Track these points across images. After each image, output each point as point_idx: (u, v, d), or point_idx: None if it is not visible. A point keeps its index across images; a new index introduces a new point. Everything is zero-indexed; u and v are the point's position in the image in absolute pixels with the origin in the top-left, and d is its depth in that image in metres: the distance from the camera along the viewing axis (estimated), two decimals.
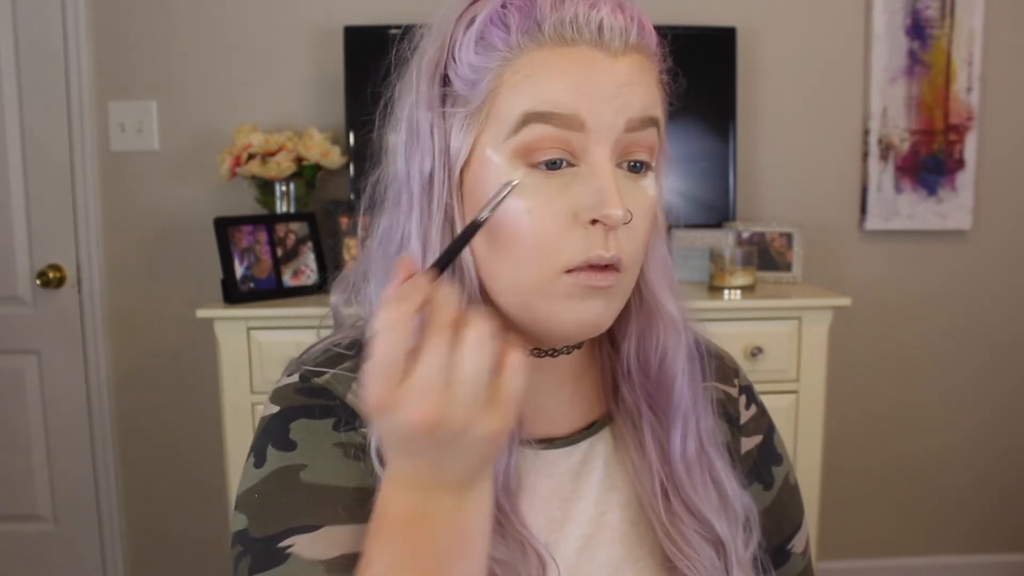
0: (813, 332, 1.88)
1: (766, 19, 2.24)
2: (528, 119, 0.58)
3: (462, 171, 0.62)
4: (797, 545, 0.80)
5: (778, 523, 0.77)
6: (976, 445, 2.42)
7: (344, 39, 2.07)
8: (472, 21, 0.61)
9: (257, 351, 1.79)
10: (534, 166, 0.59)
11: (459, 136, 0.61)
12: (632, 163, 0.62)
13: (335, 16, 2.12)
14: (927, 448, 2.41)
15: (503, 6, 0.60)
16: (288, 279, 1.95)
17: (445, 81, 0.62)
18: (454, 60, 0.62)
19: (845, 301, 1.88)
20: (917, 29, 2.24)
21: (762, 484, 0.77)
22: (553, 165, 0.59)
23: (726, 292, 1.93)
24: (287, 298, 1.92)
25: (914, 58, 2.25)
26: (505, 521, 0.62)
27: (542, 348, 0.67)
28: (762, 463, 0.78)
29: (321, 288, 1.96)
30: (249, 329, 1.79)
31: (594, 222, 0.59)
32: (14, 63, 2.14)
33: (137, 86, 2.17)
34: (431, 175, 0.62)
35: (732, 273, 1.94)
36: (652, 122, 0.61)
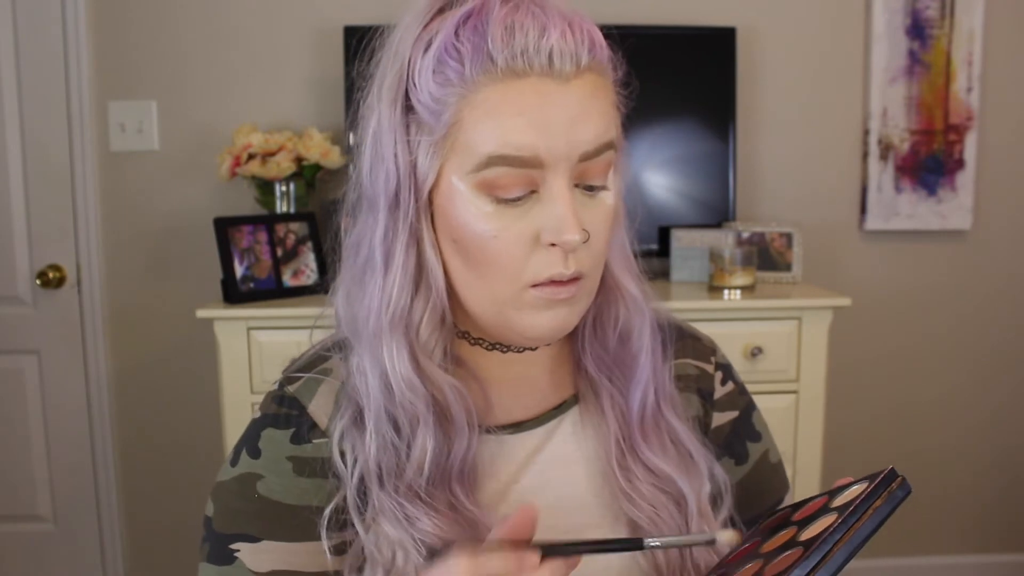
0: (813, 332, 1.88)
1: (766, 19, 2.24)
2: (491, 161, 0.61)
3: (430, 193, 0.65)
4: None
5: (755, 497, 0.80)
6: (976, 445, 2.42)
7: (344, 39, 2.07)
8: (429, 45, 0.62)
9: (257, 351, 1.79)
10: (498, 199, 0.62)
11: (425, 161, 0.64)
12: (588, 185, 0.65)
13: (335, 16, 2.13)
14: (927, 448, 2.41)
15: (456, 32, 0.61)
16: (288, 279, 1.95)
17: (407, 103, 0.64)
18: (415, 85, 0.63)
19: (845, 301, 1.88)
20: (917, 29, 2.24)
21: (734, 458, 0.80)
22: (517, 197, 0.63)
23: (726, 292, 1.93)
24: (287, 298, 1.92)
25: (914, 58, 2.25)
26: (459, 505, 0.65)
27: (520, 344, 0.71)
28: (736, 438, 0.80)
29: (321, 288, 1.96)
30: (249, 329, 1.79)
31: (554, 244, 0.62)
32: (14, 63, 2.14)
33: (137, 86, 2.17)
34: (396, 194, 0.65)
35: (732, 273, 1.94)
36: (607, 146, 0.64)
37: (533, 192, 0.62)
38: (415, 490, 0.65)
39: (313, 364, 0.73)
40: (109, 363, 2.25)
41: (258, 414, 0.71)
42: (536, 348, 0.72)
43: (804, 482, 1.90)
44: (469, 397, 0.67)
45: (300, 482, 0.68)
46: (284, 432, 0.69)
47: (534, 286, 0.63)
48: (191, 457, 2.25)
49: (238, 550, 0.66)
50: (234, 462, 0.70)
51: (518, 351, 0.72)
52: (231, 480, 0.69)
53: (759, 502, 0.81)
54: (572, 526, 0.70)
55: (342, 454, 0.67)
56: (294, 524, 0.67)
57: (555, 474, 0.71)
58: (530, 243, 0.63)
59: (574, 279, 0.64)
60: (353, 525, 0.66)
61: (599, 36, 0.65)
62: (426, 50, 0.62)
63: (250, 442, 0.70)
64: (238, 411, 1.79)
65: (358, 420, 0.67)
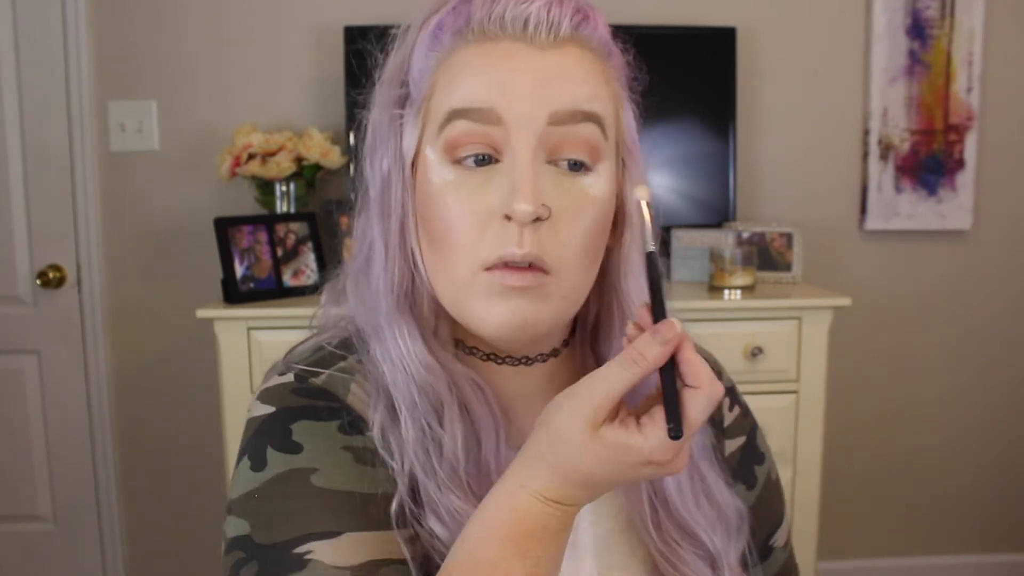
0: (813, 332, 1.88)
1: (766, 19, 2.24)
2: (451, 116, 0.59)
3: (414, 169, 0.63)
4: (779, 539, 0.80)
5: (762, 520, 0.77)
6: (976, 445, 2.42)
7: (344, 39, 2.07)
8: (427, 27, 0.63)
9: (257, 351, 1.79)
10: (458, 162, 0.60)
11: (408, 136, 0.63)
12: (571, 161, 0.60)
13: (335, 16, 2.13)
14: (927, 448, 2.41)
15: (453, 8, 0.62)
16: (288, 279, 1.95)
17: (404, 86, 0.64)
18: (410, 66, 0.63)
19: (845, 301, 1.88)
20: (917, 29, 2.24)
21: (745, 484, 0.77)
22: (482, 161, 0.60)
23: (726, 292, 1.93)
24: (287, 298, 1.92)
25: (914, 58, 2.25)
26: None
27: (515, 356, 0.67)
28: (745, 464, 0.78)
29: (321, 288, 1.96)
30: (249, 329, 1.79)
31: (509, 218, 0.57)
32: (14, 63, 2.14)
33: (137, 86, 2.17)
34: (388, 174, 0.64)
35: (732, 273, 1.94)
36: (587, 117, 0.59)
37: (497, 161, 0.59)
38: (458, 477, 0.61)
39: (327, 361, 0.67)
40: (109, 363, 2.25)
41: (268, 410, 0.63)
42: (531, 364, 0.67)
43: (804, 482, 1.90)
44: (489, 390, 0.64)
45: (365, 470, 0.61)
46: (327, 423, 0.62)
47: (488, 269, 0.59)
48: (191, 457, 2.25)
49: (311, 551, 0.57)
50: (258, 466, 0.61)
51: (513, 364, 0.66)
52: (266, 484, 0.60)
53: (764, 520, 0.78)
54: (601, 567, 0.67)
55: (388, 452, 0.62)
56: (372, 512, 0.59)
57: (585, 509, 0.66)
58: (485, 216, 0.59)
59: (533, 268, 0.58)
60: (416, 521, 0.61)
61: (596, 17, 0.62)
62: (424, 31, 0.63)
63: (278, 439, 0.61)
64: (238, 411, 1.79)
65: (392, 413, 0.63)
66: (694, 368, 0.51)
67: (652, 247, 0.55)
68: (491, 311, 0.59)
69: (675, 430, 0.50)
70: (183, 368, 2.23)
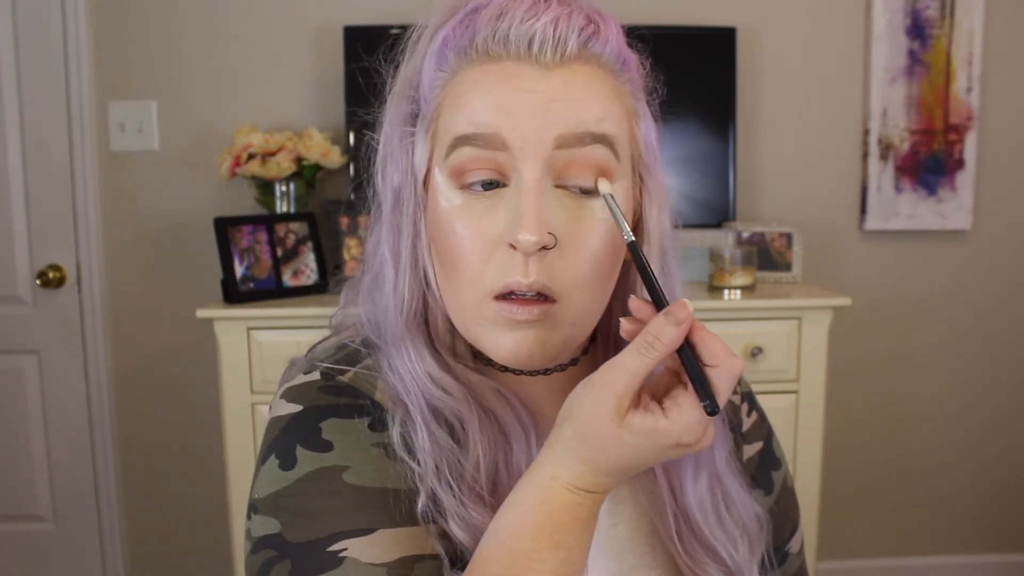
0: (813, 332, 1.88)
1: (766, 19, 2.24)
2: (457, 142, 0.58)
3: (425, 186, 0.63)
4: (794, 545, 0.80)
5: (778, 527, 0.77)
6: (976, 445, 2.42)
7: (344, 39, 2.07)
8: (433, 42, 0.62)
9: (257, 351, 1.79)
10: (465, 187, 0.59)
11: (419, 153, 0.62)
12: (581, 186, 0.59)
13: (335, 16, 2.12)
14: (927, 448, 2.41)
15: (461, 21, 0.60)
16: (288, 279, 1.95)
17: (413, 102, 0.63)
18: (419, 82, 0.62)
19: (845, 301, 1.88)
20: (917, 29, 2.24)
21: (763, 490, 0.77)
22: (489, 186, 0.59)
23: (726, 292, 1.94)
24: (287, 298, 1.92)
25: (914, 58, 2.25)
26: None
27: (532, 369, 0.66)
28: (763, 469, 0.78)
29: (321, 288, 1.96)
30: (249, 329, 1.79)
31: (514, 246, 0.57)
32: (14, 63, 2.14)
33: (137, 86, 2.17)
34: (400, 191, 0.63)
35: (732, 273, 1.94)
36: (596, 139, 0.58)
37: (504, 186, 0.58)
38: (477, 492, 0.60)
39: (351, 358, 0.66)
40: (109, 363, 2.25)
41: (295, 409, 0.63)
42: (549, 373, 0.66)
43: (804, 482, 1.90)
44: (513, 397, 0.64)
45: (395, 466, 0.61)
46: (358, 420, 0.62)
47: (496, 299, 0.58)
48: (191, 457, 2.25)
49: (344, 548, 0.57)
50: (287, 465, 0.60)
51: (531, 375, 0.66)
52: (297, 483, 0.60)
53: (781, 526, 0.78)
54: (624, 567, 0.67)
55: (411, 457, 0.61)
56: (404, 509, 0.60)
57: (606, 510, 0.66)
58: (492, 243, 0.58)
59: (540, 300, 0.58)
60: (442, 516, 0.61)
61: (609, 31, 0.60)
62: (432, 45, 0.62)
63: (307, 436, 0.61)
64: (238, 411, 1.79)
65: (410, 421, 0.63)
66: (711, 347, 0.52)
67: (630, 237, 0.56)
68: (499, 341, 0.60)
69: (711, 407, 0.51)
70: (183, 368, 2.23)
